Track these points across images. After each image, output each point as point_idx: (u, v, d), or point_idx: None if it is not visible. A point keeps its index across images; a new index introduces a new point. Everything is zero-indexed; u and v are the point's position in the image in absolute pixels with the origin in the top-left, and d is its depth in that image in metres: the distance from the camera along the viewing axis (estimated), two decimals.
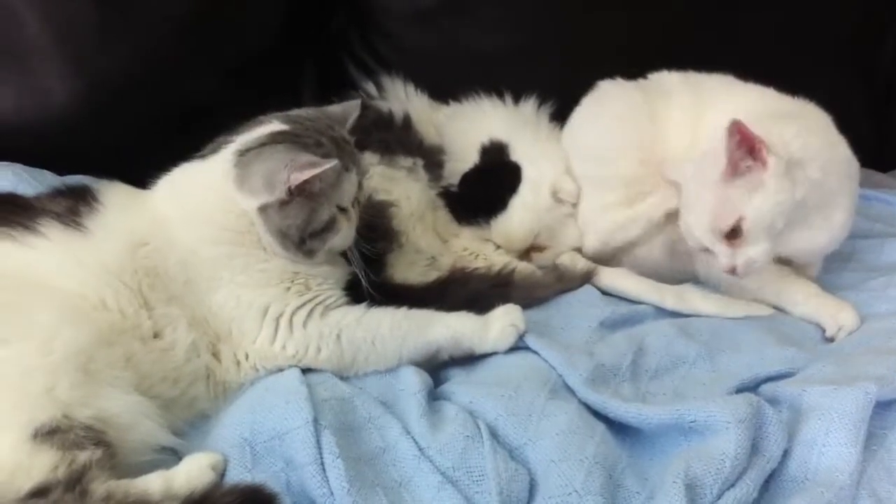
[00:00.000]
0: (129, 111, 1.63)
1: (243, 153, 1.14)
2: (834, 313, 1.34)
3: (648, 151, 1.49)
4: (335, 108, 1.27)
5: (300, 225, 1.12)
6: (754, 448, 1.03)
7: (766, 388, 1.16)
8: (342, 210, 1.17)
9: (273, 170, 1.10)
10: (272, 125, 1.18)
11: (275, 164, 1.10)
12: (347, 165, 1.16)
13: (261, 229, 1.13)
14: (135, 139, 1.61)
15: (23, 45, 1.56)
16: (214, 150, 1.18)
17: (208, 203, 1.14)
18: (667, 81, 1.56)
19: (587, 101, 1.61)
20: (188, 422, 1.11)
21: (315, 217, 1.13)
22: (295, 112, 1.23)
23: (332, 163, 1.08)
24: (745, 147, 1.26)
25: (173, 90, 1.65)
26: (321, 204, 1.13)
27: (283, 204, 1.11)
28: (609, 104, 1.57)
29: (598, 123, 1.57)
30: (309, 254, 1.16)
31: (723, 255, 1.31)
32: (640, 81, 1.60)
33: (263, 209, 1.12)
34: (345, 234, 1.18)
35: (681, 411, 1.06)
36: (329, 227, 1.15)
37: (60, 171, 1.56)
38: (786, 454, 1.05)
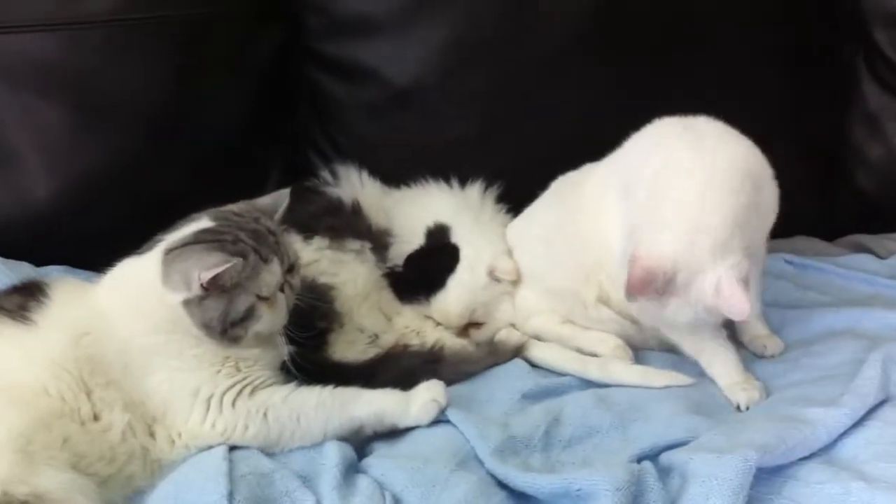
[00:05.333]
0: (103, 206, 1.79)
1: (169, 252, 1.25)
2: (738, 391, 1.40)
3: (579, 261, 1.57)
4: (265, 200, 1.38)
5: (219, 316, 1.22)
6: None
7: (664, 456, 1.22)
8: (263, 298, 1.26)
9: (188, 268, 1.21)
10: (200, 222, 1.30)
11: (190, 263, 1.21)
12: (267, 257, 1.26)
13: (188, 320, 1.24)
14: (108, 231, 1.72)
15: (3, 147, 1.73)
16: (150, 248, 1.29)
17: (144, 296, 1.25)
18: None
19: (527, 212, 1.73)
20: (125, 497, 1.19)
21: (233, 308, 1.23)
22: (226, 208, 1.34)
23: (233, 261, 1.19)
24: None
25: (144, 186, 1.80)
26: (238, 295, 1.23)
27: (201, 299, 1.22)
28: (537, 224, 1.68)
29: (528, 245, 1.67)
30: (234, 340, 1.25)
31: None
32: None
33: (186, 303, 1.22)
34: (268, 321, 1.27)
35: (569, 480, 1.13)
36: (249, 315, 1.25)
37: (39, 261, 1.70)
38: None
